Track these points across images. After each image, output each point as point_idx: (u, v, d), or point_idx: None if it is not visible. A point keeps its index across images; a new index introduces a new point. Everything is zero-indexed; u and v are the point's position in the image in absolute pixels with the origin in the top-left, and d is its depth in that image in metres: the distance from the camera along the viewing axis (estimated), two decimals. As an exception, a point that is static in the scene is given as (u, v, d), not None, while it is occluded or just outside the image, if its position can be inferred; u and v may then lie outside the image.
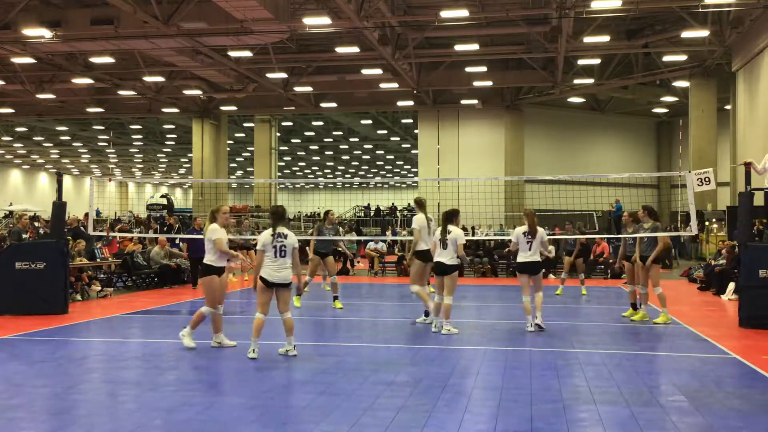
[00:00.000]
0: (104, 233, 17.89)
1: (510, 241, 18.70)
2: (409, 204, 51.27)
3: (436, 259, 10.18)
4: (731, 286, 14.39)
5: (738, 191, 16.24)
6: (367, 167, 75.92)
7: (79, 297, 14.22)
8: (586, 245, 16.56)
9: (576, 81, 32.11)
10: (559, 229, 16.64)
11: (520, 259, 10.60)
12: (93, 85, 32.26)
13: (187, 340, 8.73)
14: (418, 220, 10.79)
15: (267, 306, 8.25)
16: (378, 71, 28.83)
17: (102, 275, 16.62)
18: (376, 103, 36.85)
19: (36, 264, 12.07)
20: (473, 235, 24.61)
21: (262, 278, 8.13)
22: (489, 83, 31.49)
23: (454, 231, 10.08)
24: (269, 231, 8.22)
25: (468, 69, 29.76)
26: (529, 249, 10.45)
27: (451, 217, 10.26)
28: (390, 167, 75.59)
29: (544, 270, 11.40)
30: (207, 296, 8.73)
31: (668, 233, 11.92)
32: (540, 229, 10.65)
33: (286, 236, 8.17)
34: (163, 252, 17.02)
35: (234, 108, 38.19)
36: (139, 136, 53.22)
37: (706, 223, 26.44)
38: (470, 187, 22.90)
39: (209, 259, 8.68)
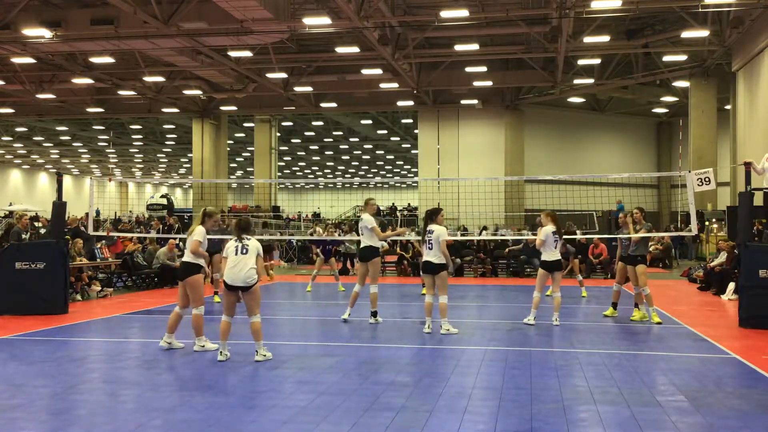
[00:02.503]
0: (105, 233, 17.90)
1: (510, 241, 18.64)
2: (409, 204, 51.33)
3: (423, 258, 10.30)
4: (731, 286, 14.39)
5: (738, 191, 16.25)
6: (367, 167, 75.94)
7: (79, 297, 14.23)
8: (584, 245, 16.57)
9: (576, 81, 32.11)
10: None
11: (549, 257, 10.93)
12: (93, 85, 32.27)
13: (207, 345, 8.69)
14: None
15: (231, 308, 8.16)
16: (378, 71, 28.84)
17: (101, 275, 16.63)
18: (376, 103, 36.86)
19: (36, 264, 12.08)
20: (479, 234, 24.54)
21: (224, 281, 8.13)
22: (489, 83, 31.50)
23: (437, 230, 10.12)
24: (236, 239, 8.24)
25: (468, 69, 29.76)
26: (555, 248, 10.90)
27: (431, 216, 10.34)
28: (390, 167, 75.61)
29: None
30: (198, 296, 8.68)
31: (649, 234, 12.04)
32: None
33: (249, 239, 8.18)
34: (170, 254, 17.00)
35: (234, 108, 38.20)
36: (139, 136, 53.23)
37: (706, 223, 26.44)
38: (470, 187, 22.93)
39: (191, 258, 8.67)
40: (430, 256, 10.11)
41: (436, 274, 10.09)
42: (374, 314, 11.15)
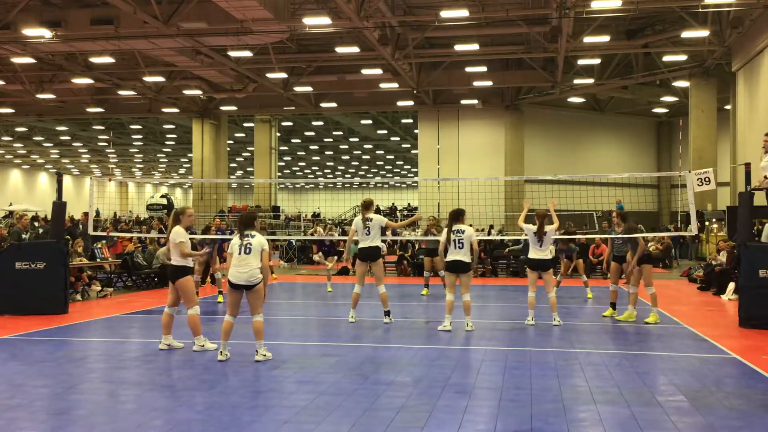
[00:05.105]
0: (105, 233, 17.90)
1: (510, 241, 18.55)
2: (409, 204, 51.34)
3: (452, 258, 10.34)
4: (731, 286, 14.39)
5: (738, 191, 16.25)
6: (367, 167, 75.92)
7: (79, 297, 14.23)
8: (584, 245, 16.56)
9: (576, 81, 32.11)
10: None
11: (531, 255, 11.02)
12: (93, 85, 32.26)
13: (207, 345, 8.69)
14: (355, 221, 11.39)
15: (235, 308, 8.15)
16: (378, 71, 28.84)
17: (102, 275, 16.63)
18: (376, 103, 36.85)
19: (36, 264, 12.08)
20: (488, 234, 24.60)
21: (228, 280, 8.14)
22: (489, 83, 31.48)
23: (468, 230, 10.37)
24: (239, 235, 8.22)
25: (468, 69, 29.75)
26: (540, 247, 10.91)
27: (458, 216, 10.50)
28: (390, 167, 75.58)
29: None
30: (190, 297, 8.69)
31: (645, 234, 12.09)
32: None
33: (253, 236, 8.13)
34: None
35: (234, 108, 38.20)
36: (139, 136, 53.22)
37: (706, 223, 26.44)
38: (470, 187, 22.90)
39: (179, 261, 8.65)
40: (460, 255, 10.25)
41: (465, 273, 10.30)
42: (387, 314, 11.15)
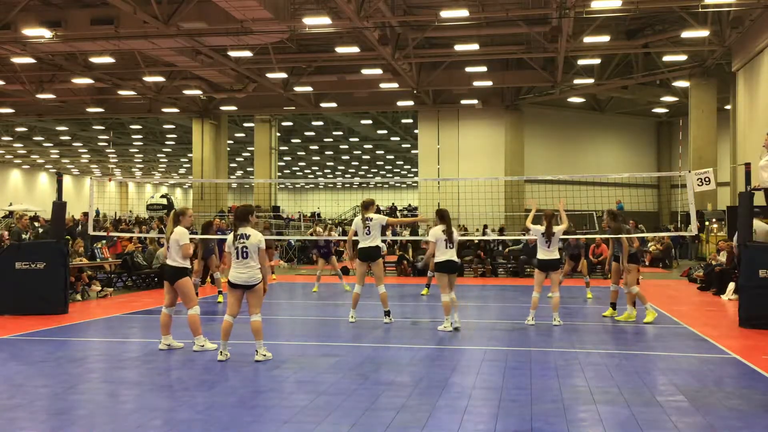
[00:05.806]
0: (105, 233, 17.91)
1: (510, 241, 18.48)
2: (409, 204, 51.34)
3: (446, 258, 10.34)
4: (731, 286, 14.39)
5: (738, 191, 16.25)
6: (367, 167, 75.93)
7: (79, 297, 14.23)
8: (585, 245, 16.56)
9: (576, 81, 32.10)
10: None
11: (541, 256, 11.05)
12: (93, 85, 32.26)
13: (207, 345, 8.70)
14: (355, 221, 11.46)
15: (235, 307, 8.14)
16: (378, 71, 28.83)
17: (102, 275, 16.62)
18: (376, 103, 36.84)
19: (36, 264, 12.08)
20: (483, 234, 24.54)
21: (228, 280, 8.13)
22: (489, 83, 31.48)
23: (455, 231, 10.47)
24: (233, 233, 8.21)
25: (468, 69, 29.75)
26: (548, 247, 10.93)
27: (449, 217, 10.51)
28: (390, 167, 75.60)
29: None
30: (190, 297, 8.71)
31: (645, 234, 12.15)
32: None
33: (248, 237, 8.05)
34: None
35: (234, 108, 38.19)
36: (139, 136, 53.23)
37: (706, 223, 26.44)
38: (470, 187, 22.92)
39: (179, 262, 8.67)
40: (452, 255, 10.33)
41: (455, 273, 10.44)
42: (387, 314, 11.16)
